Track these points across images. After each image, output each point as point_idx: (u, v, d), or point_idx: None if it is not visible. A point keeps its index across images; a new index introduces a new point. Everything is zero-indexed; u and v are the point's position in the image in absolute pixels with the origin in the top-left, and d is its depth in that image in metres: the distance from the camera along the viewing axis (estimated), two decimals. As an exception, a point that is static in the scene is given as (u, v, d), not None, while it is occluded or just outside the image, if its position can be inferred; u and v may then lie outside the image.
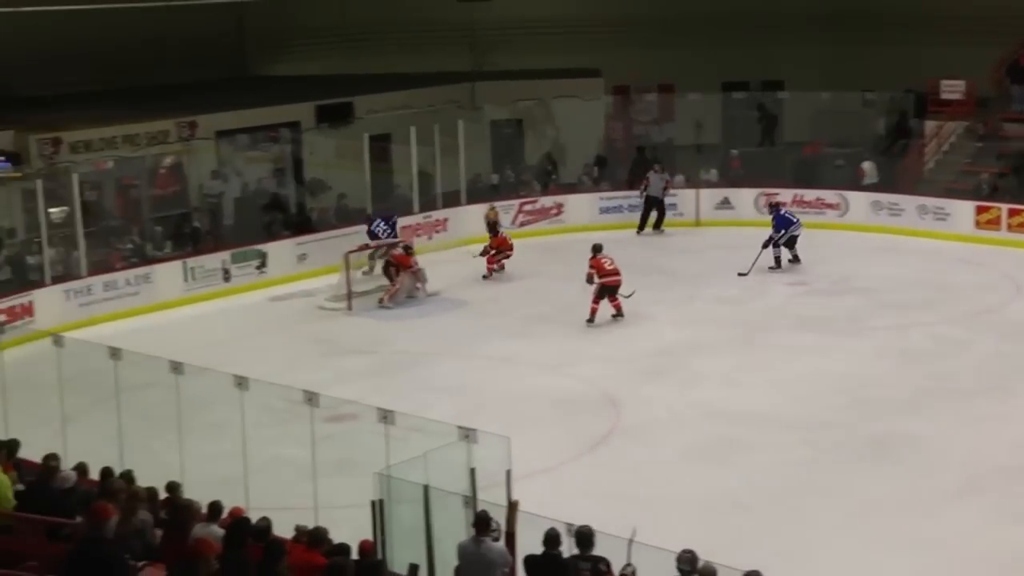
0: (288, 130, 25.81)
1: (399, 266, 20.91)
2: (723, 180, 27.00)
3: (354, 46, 31.08)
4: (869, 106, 29.64)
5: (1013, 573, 10.97)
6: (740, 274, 21.52)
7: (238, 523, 8.68)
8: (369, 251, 21.66)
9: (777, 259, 22.02)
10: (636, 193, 25.78)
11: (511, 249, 22.28)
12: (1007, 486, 12.89)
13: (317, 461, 11.07)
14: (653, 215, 25.43)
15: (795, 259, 22.22)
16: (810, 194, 25.92)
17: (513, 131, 29.30)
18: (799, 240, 22.24)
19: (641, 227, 25.29)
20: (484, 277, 21.90)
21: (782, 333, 18.46)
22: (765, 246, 21.87)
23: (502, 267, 22.14)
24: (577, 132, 28.61)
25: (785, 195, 25.83)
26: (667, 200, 25.50)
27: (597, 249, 19.44)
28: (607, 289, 19.06)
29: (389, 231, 21.80)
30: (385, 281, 20.98)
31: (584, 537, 9.00)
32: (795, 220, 22.40)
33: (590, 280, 19.28)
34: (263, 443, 12.56)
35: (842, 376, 16.46)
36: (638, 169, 26.91)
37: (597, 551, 9.00)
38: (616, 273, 19.12)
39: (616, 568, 8.89)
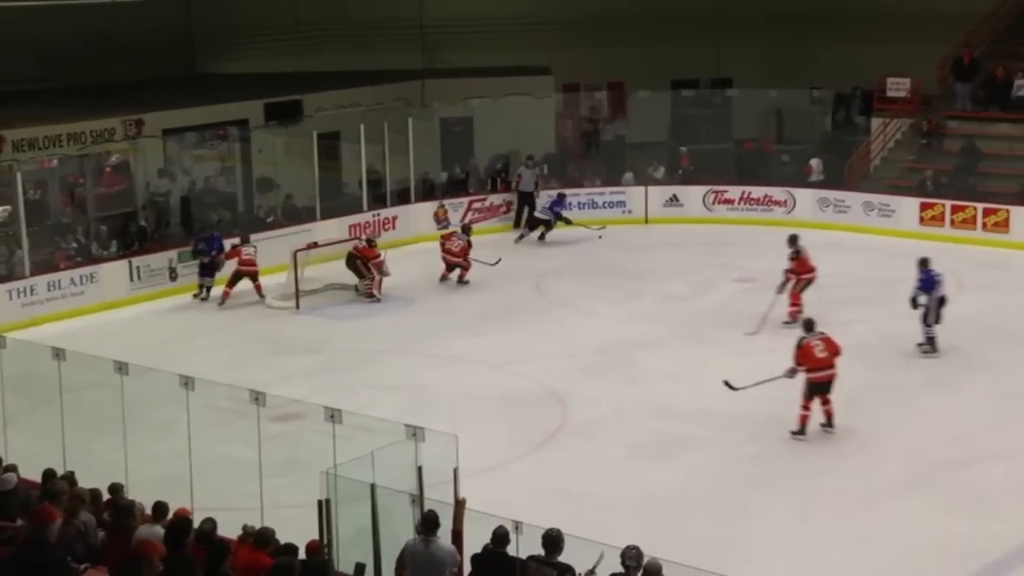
0: (236, 128, 25.67)
1: (364, 259, 20.87)
2: (671, 177, 27.13)
3: (303, 44, 30.93)
4: (816, 104, 29.94)
5: (951, 565, 11.11)
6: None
7: (178, 524, 8.65)
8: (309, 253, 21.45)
9: (930, 339, 17.36)
10: (586, 190, 26.01)
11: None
12: (946, 479, 13.08)
13: (264, 461, 11.04)
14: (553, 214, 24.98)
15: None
16: (758, 191, 26.14)
17: (463, 129, 29.29)
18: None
19: (516, 223, 25.05)
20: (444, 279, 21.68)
21: (728, 329, 18.58)
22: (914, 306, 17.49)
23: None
24: (527, 130, 28.65)
25: (733, 192, 26.12)
26: (624, 197, 25.44)
27: (808, 327, 15.03)
28: (817, 387, 14.57)
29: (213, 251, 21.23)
30: (338, 279, 20.89)
31: (552, 541, 8.94)
32: (939, 279, 17.68)
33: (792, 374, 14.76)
34: (209, 443, 12.51)
35: (787, 372, 16.57)
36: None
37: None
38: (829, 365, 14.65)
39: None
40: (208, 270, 21.11)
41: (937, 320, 17.27)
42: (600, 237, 24.13)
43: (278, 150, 26.24)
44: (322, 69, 29.95)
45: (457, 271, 21.33)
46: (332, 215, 23.90)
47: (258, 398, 10.76)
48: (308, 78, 28.90)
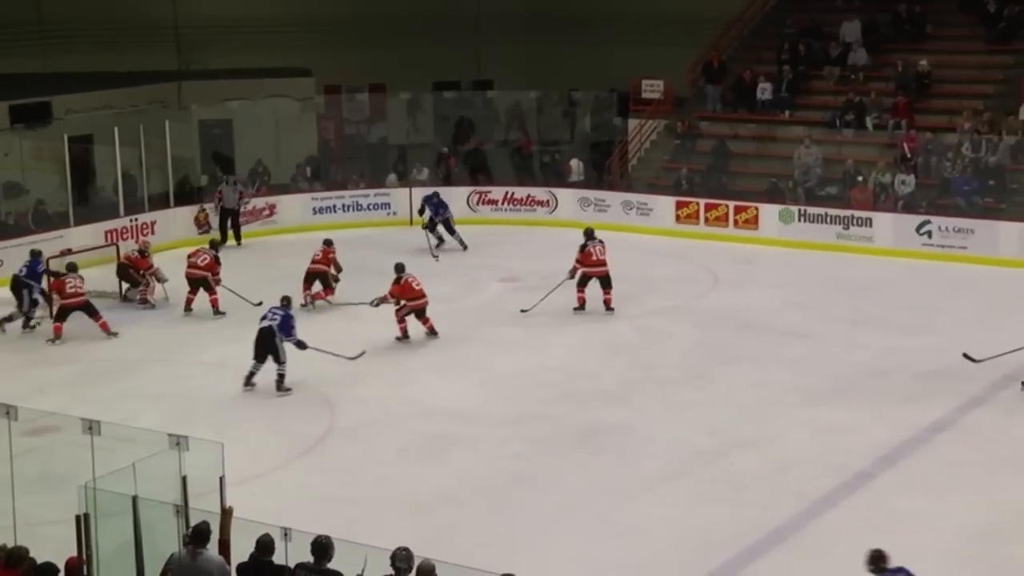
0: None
1: (136, 268, 20.26)
2: (434, 179, 27.26)
3: (50, 44, 29.76)
4: (575, 105, 30.62)
5: (710, 551, 11.51)
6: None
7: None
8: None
9: None
10: (350, 193, 25.95)
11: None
12: (704, 469, 13.54)
13: (16, 476, 10.58)
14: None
15: None
16: (520, 191, 26.54)
17: (223, 131, 28.75)
18: None
19: (223, 239, 23.25)
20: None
21: (494, 329, 18.80)
22: None
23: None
24: (289, 132, 28.35)
25: (496, 192, 26.44)
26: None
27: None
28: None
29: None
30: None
31: (320, 548, 8.85)
32: None
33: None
34: (-43, 460, 11.92)
35: (552, 370, 16.90)
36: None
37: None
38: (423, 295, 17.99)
39: None
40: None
41: None
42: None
43: (26, 154, 25.20)
44: (72, 70, 28.90)
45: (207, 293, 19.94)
46: (86, 221, 23.08)
47: (9, 412, 10.30)
48: (57, 79, 27.86)
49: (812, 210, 24.02)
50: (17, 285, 19.17)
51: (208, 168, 27.26)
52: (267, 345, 15.96)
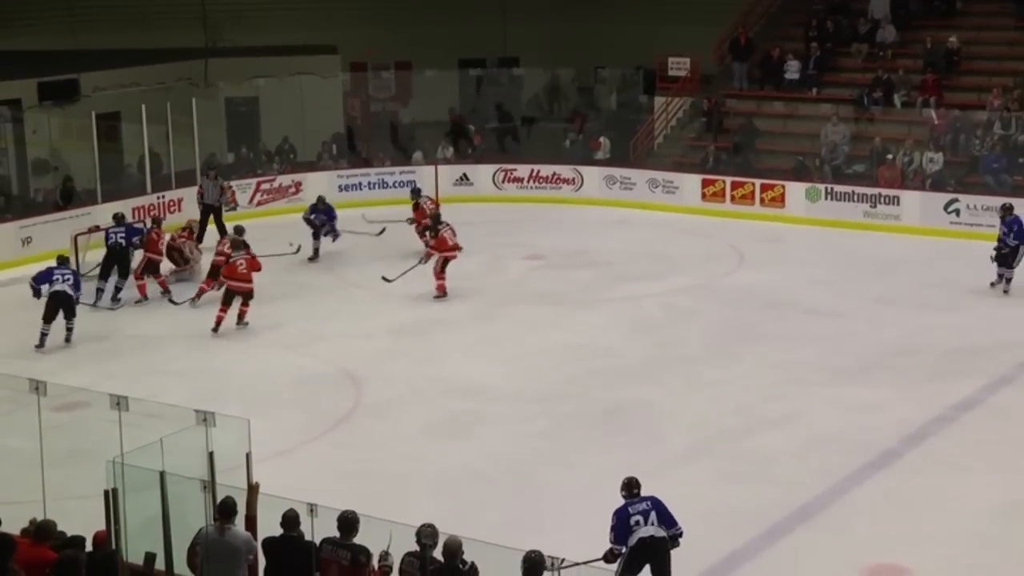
0: (7, 108, 24.64)
1: (180, 251, 20.46)
2: (459, 156, 27.23)
3: (78, 21, 29.85)
4: (602, 82, 30.52)
5: (736, 529, 11.53)
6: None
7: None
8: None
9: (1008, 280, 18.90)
10: (376, 170, 25.96)
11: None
12: (730, 447, 13.53)
13: (46, 451, 10.65)
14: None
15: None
16: (546, 169, 26.49)
17: (249, 109, 28.80)
18: None
19: (200, 237, 21.63)
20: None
21: (519, 307, 18.80)
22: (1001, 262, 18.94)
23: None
24: (315, 109, 28.36)
25: (522, 171, 26.42)
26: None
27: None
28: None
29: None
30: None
31: (346, 523, 8.88)
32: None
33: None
34: (-14, 436, 12.05)
35: (578, 347, 16.91)
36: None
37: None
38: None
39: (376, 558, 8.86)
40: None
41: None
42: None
43: (54, 131, 25.31)
44: (99, 47, 28.98)
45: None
46: (114, 198, 23.18)
47: (38, 387, 10.38)
48: (85, 56, 27.92)
49: (839, 188, 23.91)
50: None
51: (234, 146, 27.30)
52: (63, 303, 17.07)
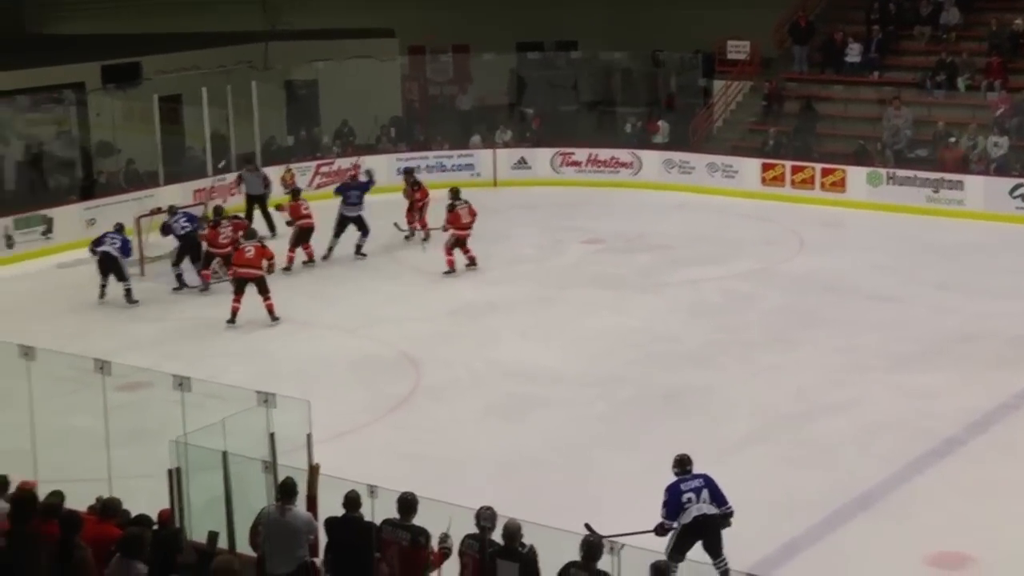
0: (72, 91, 24.92)
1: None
2: (517, 140, 27.21)
3: (140, 5, 30.13)
4: (660, 66, 30.34)
5: (796, 515, 11.45)
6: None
7: (22, 497, 8.43)
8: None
9: None
10: (434, 153, 26.05)
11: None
12: (790, 434, 13.45)
13: (111, 431, 10.79)
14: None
15: None
16: (604, 153, 26.41)
17: (308, 92, 28.94)
18: None
19: (270, 229, 21.86)
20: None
21: (578, 291, 18.78)
22: None
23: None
24: (374, 93, 28.44)
25: (580, 154, 26.36)
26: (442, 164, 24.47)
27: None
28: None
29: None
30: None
31: (406, 504, 8.92)
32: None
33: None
34: (52, 414, 12.14)
35: (636, 331, 16.86)
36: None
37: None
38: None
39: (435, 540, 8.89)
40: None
41: None
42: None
43: (117, 114, 25.57)
44: (161, 31, 29.24)
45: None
46: (176, 180, 23.40)
47: (103, 367, 10.50)
48: (146, 40, 28.20)
49: (901, 172, 23.64)
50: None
51: (294, 129, 27.45)
52: (110, 265, 18.27)
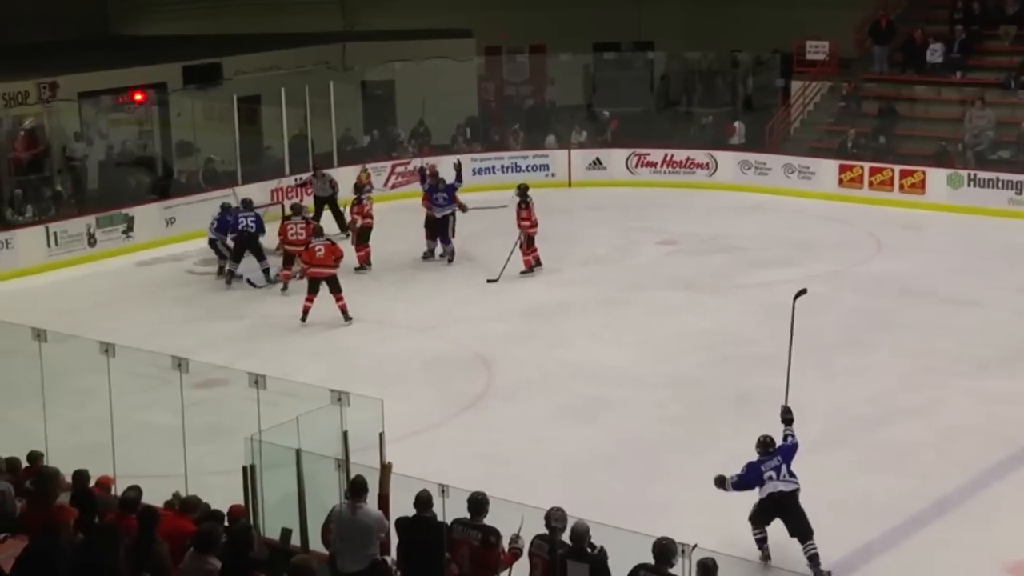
0: (154, 91, 25.30)
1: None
2: (593, 141, 27.17)
3: (220, 6, 30.52)
4: (737, 66, 30.13)
5: (871, 519, 11.35)
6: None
7: (81, 488, 8.59)
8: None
9: None
10: (509, 154, 26.10)
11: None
12: (865, 437, 13.31)
13: (187, 427, 10.94)
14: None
15: None
16: (680, 154, 26.28)
17: (385, 92, 29.11)
18: None
19: (341, 228, 21.87)
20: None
21: (651, 292, 18.72)
22: None
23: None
24: (449, 93, 28.53)
25: (655, 155, 26.25)
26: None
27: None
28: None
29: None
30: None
31: (476, 504, 8.96)
32: None
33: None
34: (130, 410, 12.36)
35: (709, 333, 16.77)
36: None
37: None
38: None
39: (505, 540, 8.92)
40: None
41: None
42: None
43: (197, 114, 25.91)
44: (240, 32, 29.57)
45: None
46: (254, 179, 23.67)
47: (180, 364, 10.66)
48: (226, 41, 28.53)
49: (983, 174, 23.28)
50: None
51: (370, 129, 27.63)
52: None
